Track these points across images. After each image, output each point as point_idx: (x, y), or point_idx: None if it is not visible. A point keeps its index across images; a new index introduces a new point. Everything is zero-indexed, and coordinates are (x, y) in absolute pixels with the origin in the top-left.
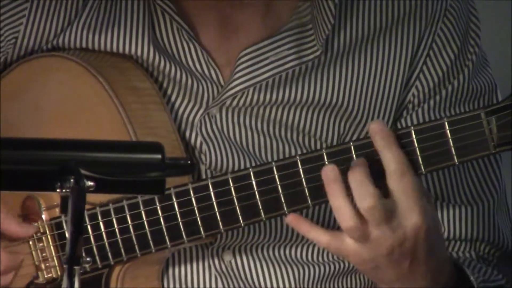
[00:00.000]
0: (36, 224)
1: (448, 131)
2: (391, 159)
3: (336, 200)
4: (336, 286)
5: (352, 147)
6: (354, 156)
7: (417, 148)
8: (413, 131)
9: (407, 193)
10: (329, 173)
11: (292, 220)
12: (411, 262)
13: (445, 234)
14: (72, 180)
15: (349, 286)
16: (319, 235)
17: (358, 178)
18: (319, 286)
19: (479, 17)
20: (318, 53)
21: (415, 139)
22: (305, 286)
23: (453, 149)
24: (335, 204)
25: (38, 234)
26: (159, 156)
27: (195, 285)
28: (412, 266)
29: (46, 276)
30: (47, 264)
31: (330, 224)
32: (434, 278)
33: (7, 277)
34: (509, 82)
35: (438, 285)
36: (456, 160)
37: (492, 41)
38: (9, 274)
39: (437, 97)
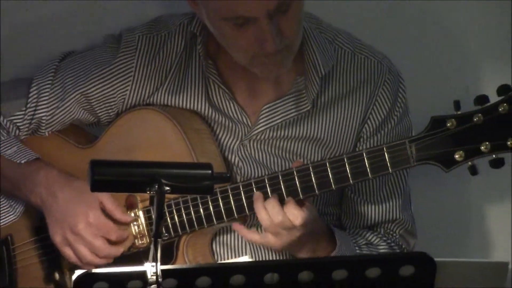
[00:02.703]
0: (133, 213)
1: (385, 153)
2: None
3: (258, 210)
4: None
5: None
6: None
7: (367, 163)
8: (364, 153)
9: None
10: (257, 194)
11: (236, 228)
12: (303, 243)
13: (372, 219)
14: (156, 186)
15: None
16: (253, 236)
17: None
18: None
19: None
20: (308, 107)
21: (365, 158)
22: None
23: (388, 163)
24: (257, 211)
25: (136, 216)
26: (209, 171)
27: (233, 247)
28: (300, 247)
29: (140, 242)
30: (141, 235)
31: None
32: (314, 249)
33: (119, 246)
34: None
35: (317, 250)
36: (390, 170)
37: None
38: (121, 244)
39: (379, 135)
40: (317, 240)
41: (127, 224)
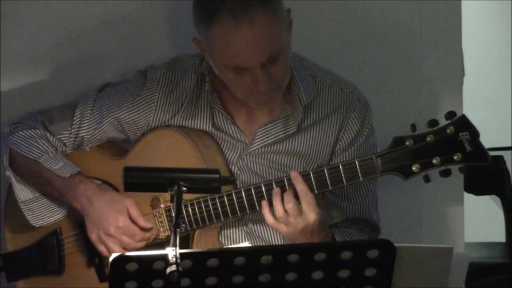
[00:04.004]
0: (156, 212)
1: (357, 165)
2: (299, 187)
3: (275, 202)
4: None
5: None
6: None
7: (342, 173)
8: (340, 165)
9: (308, 203)
10: (275, 190)
11: (263, 205)
12: (311, 235)
13: (344, 216)
14: (175, 186)
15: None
16: (269, 217)
17: (287, 194)
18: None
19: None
20: (294, 130)
21: (341, 169)
22: (286, 239)
23: (359, 173)
24: (274, 205)
25: (159, 214)
26: (217, 175)
27: (234, 238)
28: (311, 237)
29: (163, 235)
30: (164, 229)
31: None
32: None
33: (142, 243)
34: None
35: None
36: (361, 179)
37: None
38: (143, 242)
39: (350, 150)
40: (315, 235)
41: (147, 229)
